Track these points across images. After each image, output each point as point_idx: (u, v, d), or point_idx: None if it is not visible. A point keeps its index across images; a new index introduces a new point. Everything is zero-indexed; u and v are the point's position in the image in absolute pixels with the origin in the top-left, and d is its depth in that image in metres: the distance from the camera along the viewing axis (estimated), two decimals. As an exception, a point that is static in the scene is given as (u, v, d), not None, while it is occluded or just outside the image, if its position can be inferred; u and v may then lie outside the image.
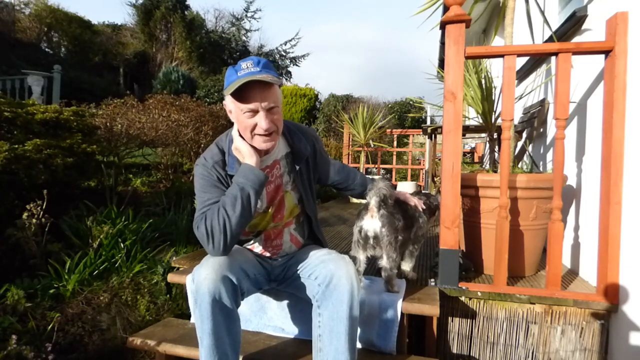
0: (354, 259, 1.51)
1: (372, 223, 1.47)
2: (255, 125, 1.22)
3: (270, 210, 1.38)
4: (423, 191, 1.84)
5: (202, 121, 4.46)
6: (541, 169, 2.56)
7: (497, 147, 2.33)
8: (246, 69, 1.19)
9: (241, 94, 1.19)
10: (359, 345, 1.48)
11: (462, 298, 1.71)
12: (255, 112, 1.21)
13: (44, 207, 2.13)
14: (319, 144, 1.50)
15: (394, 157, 5.72)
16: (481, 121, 2.30)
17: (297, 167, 1.39)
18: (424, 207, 1.70)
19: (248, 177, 1.21)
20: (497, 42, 4.24)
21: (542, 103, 2.50)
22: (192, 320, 1.71)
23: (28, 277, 2.03)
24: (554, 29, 2.30)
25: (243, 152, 1.26)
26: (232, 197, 1.19)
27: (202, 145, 4.40)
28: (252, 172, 1.22)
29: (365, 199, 1.52)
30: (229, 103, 1.25)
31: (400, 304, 1.48)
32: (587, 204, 1.88)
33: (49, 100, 6.74)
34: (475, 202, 1.84)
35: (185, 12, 15.46)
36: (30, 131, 2.56)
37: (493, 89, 2.19)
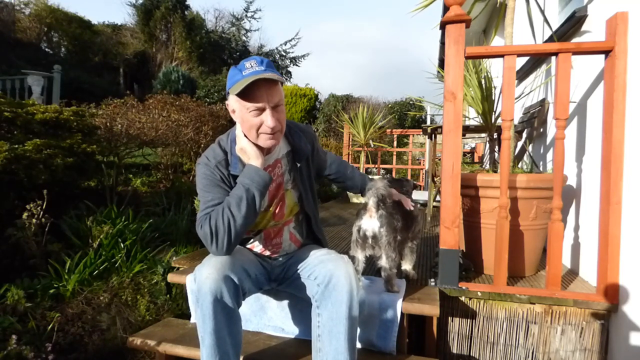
0: (352, 259, 1.51)
1: (370, 223, 1.47)
2: (261, 124, 1.22)
3: (271, 209, 1.39)
4: (392, 178, 1.84)
5: (202, 121, 4.46)
6: (541, 169, 2.56)
7: (497, 147, 2.33)
8: (251, 68, 1.19)
9: (247, 93, 1.19)
10: (358, 345, 1.48)
11: (462, 298, 1.71)
12: (261, 110, 1.21)
13: (44, 207, 2.13)
14: (316, 142, 1.52)
15: (394, 157, 5.72)
16: (481, 121, 2.30)
17: (298, 165, 1.40)
18: (412, 206, 1.70)
19: (253, 178, 1.22)
20: (497, 42, 4.24)
21: (542, 103, 2.50)
22: (193, 320, 1.71)
23: (28, 277, 2.03)
24: (554, 29, 2.30)
25: (249, 152, 1.26)
26: (237, 197, 1.19)
27: (202, 145, 4.40)
28: (257, 174, 1.23)
29: (359, 193, 1.51)
30: (234, 102, 1.25)
31: (400, 304, 1.48)
32: (587, 204, 1.88)
33: (49, 100, 6.74)
34: (475, 202, 1.84)
35: (185, 12, 15.46)
36: (30, 131, 2.56)
37: (493, 89, 2.19)
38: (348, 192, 4.76)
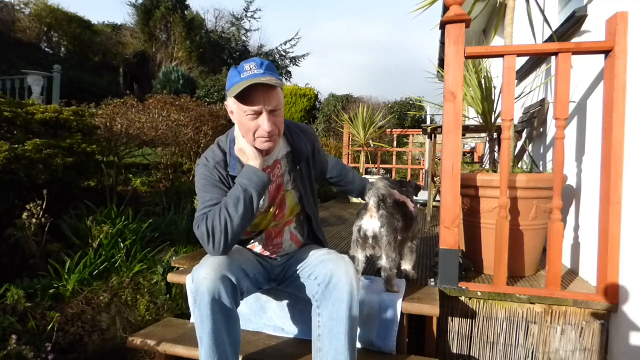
0: (353, 259, 1.51)
1: (371, 223, 1.47)
2: (257, 128, 1.22)
3: (272, 209, 1.39)
4: (392, 179, 1.84)
5: (202, 121, 4.46)
6: (541, 169, 2.56)
7: (497, 147, 2.33)
8: (250, 71, 1.19)
9: (245, 96, 1.19)
10: (359, 345, 1.48)
11: (462, 298, 1.71)
12: (258, 114, 1.21)
13: (44, 207, 2.13)
14: (317, 142, 1.51)
15: (394, 157, 5.72)
16: (481, 121, 2.30)
17: (298, 167, 1.39)
18: (414, 206, 1.71)
19: (252, 179, 1.21)
20: (497, 42, 4.24)
21: (542, 103, 2.50)
22: (192, 320, 1.71)
23: (28, 277, 2.03)
24: (554, 29, 2.30)
25: (248, 153, 1.26)
26: (235, 198, 1.19)
27: (202, 145, 4.40)
28: (255, 175, 1.22)
29: (361, 197, 1.52)
30: (232, 104, 1.25)
31: (400, 304, 1.48)
32: (587, 204, 1.88)
33: (49, 100, 6.74)
34: (475, 202, 1.84)
35: (185, 12, 15.47)
36: (30, 131, 2.56)
37: (493, 89, 2.19)
38: (348, 193, 4.75)
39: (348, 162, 5.62)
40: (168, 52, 14.94)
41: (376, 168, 5.47)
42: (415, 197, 1.80)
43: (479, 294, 1.68)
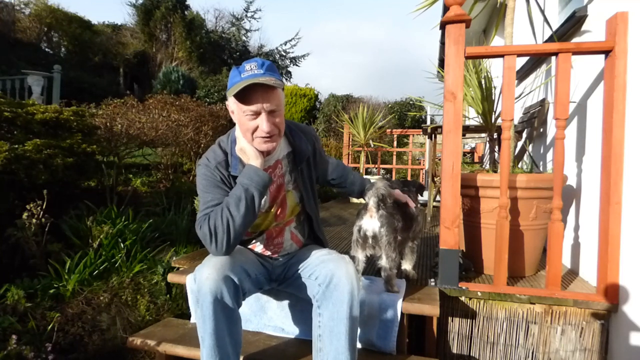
0: (353, 259, 1.51)
1: (371, 223, 1.47)
2: (256, 128, 1.22)
3: (272, 210, 1.39)
4: (393, 180, 1.84)
5: (202, 121, 4.47)
6: (541, 169, 2.56)
7: (497, 147, 2.33)
8: (250, 71, 1.19)
9: (244, 96, 1.19)
10: (359, 345, 1.48)
11: (462, 298, 1.71)
12: (257, 114, 1.21)
13: (44, 207, 2.13)
14: (318, 143, 1.50)
15: (394, 157, 5.72)
16: (481, 121, 2.30)
17: (299, 167, 1.40)
18: (415, 204, 1.71)
19: (253, 178, 1.22)
20: (497, 42, 4.24)
21: (542, 103, 2.50)
22: (193, 320, 1.71)
23: (28, 277, 2.03)
24: (554, 29, 2.30)
25: (248, 153, 1.26)
26: (236, 198, 1.19)
27: (202, 145, 4.40)
28: (256, 174, 1.23)
29: (362, 198, 1.52)
30: (232, 104, 1.26)
31: (400, 304, 1.48)
32: (587, 204, 1.88)
33: (49, 100, 6.74)
34: (475, 202, 1.84)
35: (185, 12, 15.47)
36: (30, 131, 2.56)
37: (493, 89, 2.19)
38: (348, 193, 4.75)
39: (348, 162, 5.62)
40: (168, 52, 14.94)
41: (376, 168, 5.47)
42: (419, 197, 1.81)
43: (479, 294, 1.68)
